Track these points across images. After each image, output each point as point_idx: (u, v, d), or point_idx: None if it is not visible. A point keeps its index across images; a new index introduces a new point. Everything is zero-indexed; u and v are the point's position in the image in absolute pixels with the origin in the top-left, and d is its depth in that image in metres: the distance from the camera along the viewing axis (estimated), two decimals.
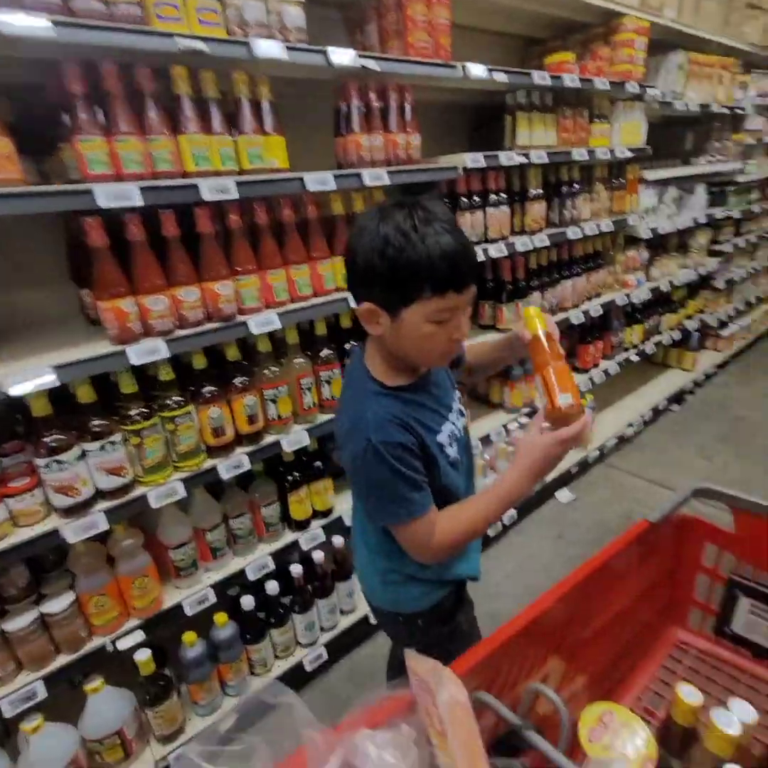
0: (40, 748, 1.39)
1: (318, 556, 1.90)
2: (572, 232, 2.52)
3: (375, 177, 1.67)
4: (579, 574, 0.84)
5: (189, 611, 1.64)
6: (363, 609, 2.09)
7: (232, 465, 1.60)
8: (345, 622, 2.06)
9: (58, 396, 1.36)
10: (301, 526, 1.90)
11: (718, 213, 3.77)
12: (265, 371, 1.66)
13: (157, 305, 1.36)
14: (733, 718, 0.76)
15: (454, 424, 1.06)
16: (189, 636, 1.62)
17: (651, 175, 2.96)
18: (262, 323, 1.54)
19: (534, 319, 1.02)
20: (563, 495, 2.97)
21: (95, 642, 1.50)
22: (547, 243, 2.39)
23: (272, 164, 1.49)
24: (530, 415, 1.12)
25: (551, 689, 0.52)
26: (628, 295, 3.10)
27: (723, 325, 4.49)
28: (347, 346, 1.86)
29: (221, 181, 1.35)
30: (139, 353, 1.33)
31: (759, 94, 3.83)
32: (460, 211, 2.06)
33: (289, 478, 1.83)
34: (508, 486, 0.97)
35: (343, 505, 2.03)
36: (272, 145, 1.48)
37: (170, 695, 1.60)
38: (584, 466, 3.13)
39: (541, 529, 2.74)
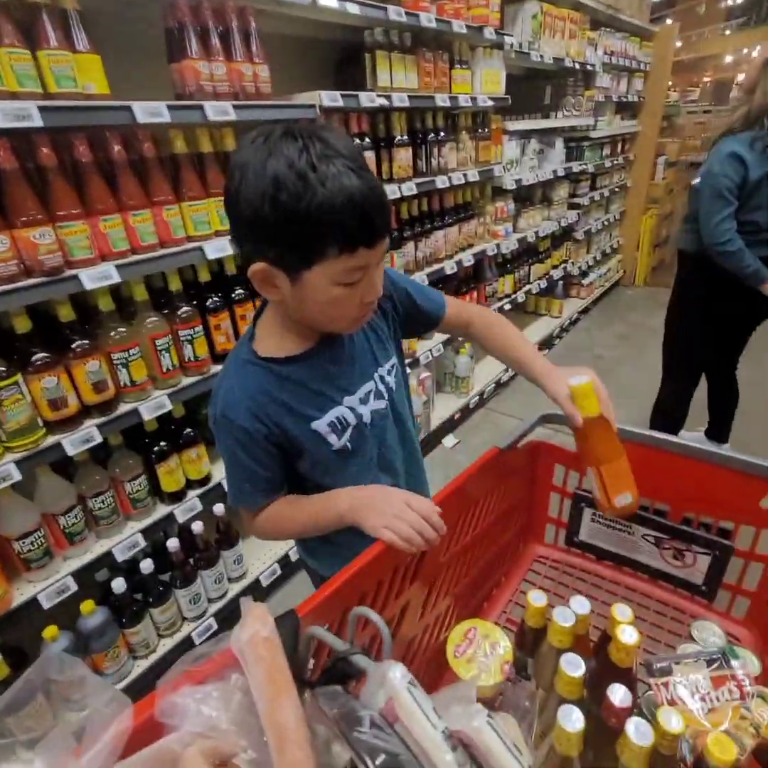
0: None
1: (197, 527, 1.80)
2: (441, 181, 2.54)
3: (220, 111, 1.52)
4: (433, 500, 0.86)
5: (47, 604, 1.47)
6: (254, 573, 2.05)
7: (79, 439, 1.43)
8: (235, 588, 2.00)
9: None
10: (176, 497, 1.78)
11: (575, 166, 4.03)
12: (111, 333, 1.49)
13: None
14: (569, 612, 0.83)
15: (353, 408, 0.91)
16: (50, 631, 1.46)
17: (513, 126, 3.06)
18: (97, 277, 1.36)
19: (590, 399, 0.85)
20: (448, 440, 3.12)
21: None
22: (415, 191, 2.38)
23: (88, 89, 1.28)
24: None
25: (371, 610, 0.52)
26: (498, 246, 3.24)
27: (584, 274, 4.90)
28: (209, 302, 1.72)
29: (18, 105, 1.13)
30: None
31: (606, 51, 4.08)
32: None
33: (156, 448, 1.69)
34: (325, 509, 0.88)
35: (222, 472, 1.93)
36: (85, 64, 1.26)
37: (34, 698, 1.44)
38: (466, 411, 3.30)
39: (430, 473, 2.85)
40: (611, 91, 4.37)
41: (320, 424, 0.88)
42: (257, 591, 2.05)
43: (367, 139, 2.13)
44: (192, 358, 1.69)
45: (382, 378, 0.95)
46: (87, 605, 1.55)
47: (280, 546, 2.18)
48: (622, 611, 0.85)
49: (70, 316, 1.40)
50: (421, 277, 2.62)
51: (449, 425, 3.16)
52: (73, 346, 1.40)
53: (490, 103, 2.74)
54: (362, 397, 0.92)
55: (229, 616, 1.96)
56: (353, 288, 0.75)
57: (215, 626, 1.89)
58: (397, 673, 0.45)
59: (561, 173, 3.74)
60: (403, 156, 2.30)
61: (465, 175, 2.71)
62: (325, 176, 0.65)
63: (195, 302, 1.70)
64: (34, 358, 1.34)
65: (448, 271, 2.81)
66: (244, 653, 0.43)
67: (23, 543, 1.43)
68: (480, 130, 2.82)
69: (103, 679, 0.48)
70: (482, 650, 0.92)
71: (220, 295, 1.75)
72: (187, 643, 1.82)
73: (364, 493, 0.85)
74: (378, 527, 0.78)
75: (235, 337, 1.81)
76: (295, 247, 0.70)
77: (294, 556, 2.14)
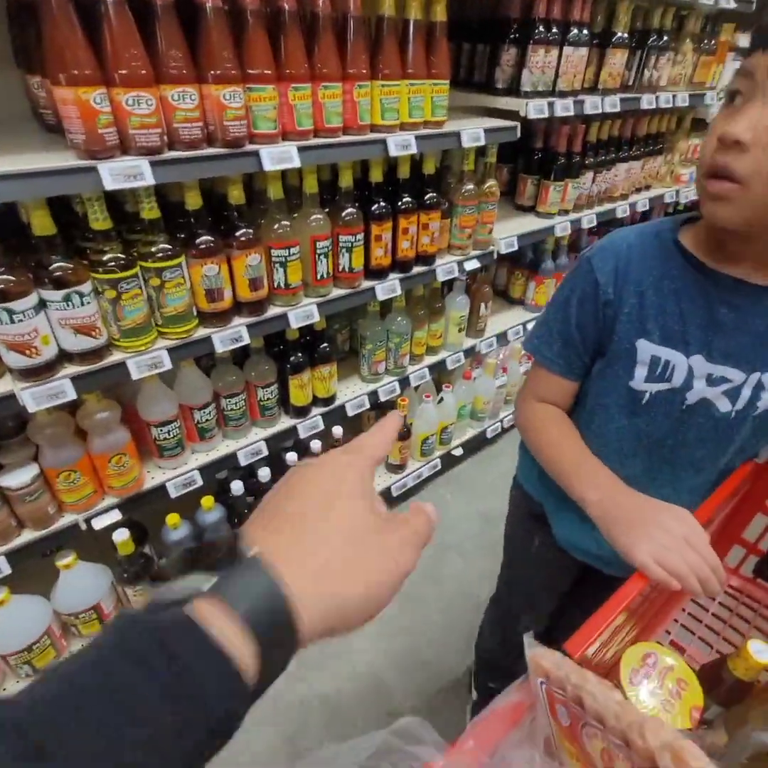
0: (7, 619, 1.27)
1: (315, 445, 1.73)
2: (647, 101, 2.08)
3: None
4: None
5: (173, 493, 1.47)
6: None
7: (229, 337, 1.33)
8: None
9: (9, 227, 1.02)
10: (301, 412, 1.69)
11: None
12: (275, 226, 1.33)
13: (140, 106, 0.98)
14: None
15: (692, 374, 0.72)
16: (173, 518, 1.47)
17: (745, 40, 2.44)
18: (278, 158, 1.18)
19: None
20: None
21: (66, 519, 1.32)
22: (618, 108, 1.96)
23: None
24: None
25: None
26: (678, 193, 2.73)
27: None
28: (375, 207, 1.51)
29: None
30: (114, 173, 0.97)
31: None
32: (534, 45, 1.60)
33: (292, 359, 1.58)
34: (578, 481, 0.76)
35: (346, 394, 1.83)
36: None
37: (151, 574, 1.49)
38: None
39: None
40: None
41: (645, 347, 0.74)
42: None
43: (585, 31, 1.72)
44: (347, 269, 1.51)
45: (760, 384, 0.72)
46: (208, 500, 1.54)
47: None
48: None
49: (241, 199, 1.24)
50: (589, 218, 2.25)
51: None
52: (238, 234, 1.26)
53: (733, 3, 2.16)
54: (716, 376, 0.72)
55: None
56: (727, 113, 0.59)
57: None
58: None
59: None
60: (618, 61, 1.87)
61: (674, 98, 2.22)
62: None
63: (358, 205, 1.49)
64: (199, 240, 1.21)
65: (620, 215, 2.40)
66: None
67: (161, 430, 1.40)
68: (706, 42, 2.26)
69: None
70: (666, 687, 0.77)
71: (386, 201, 1.53)
72: None
73: (632, 501, 0.67)
74: (645, 556, 0.61)
75: (392, 252, 1.61)
76: None
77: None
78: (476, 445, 2.43)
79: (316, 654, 1.71)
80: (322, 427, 1.74)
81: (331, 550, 0.32)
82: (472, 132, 1.53)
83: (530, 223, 2.10)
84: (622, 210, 2.40)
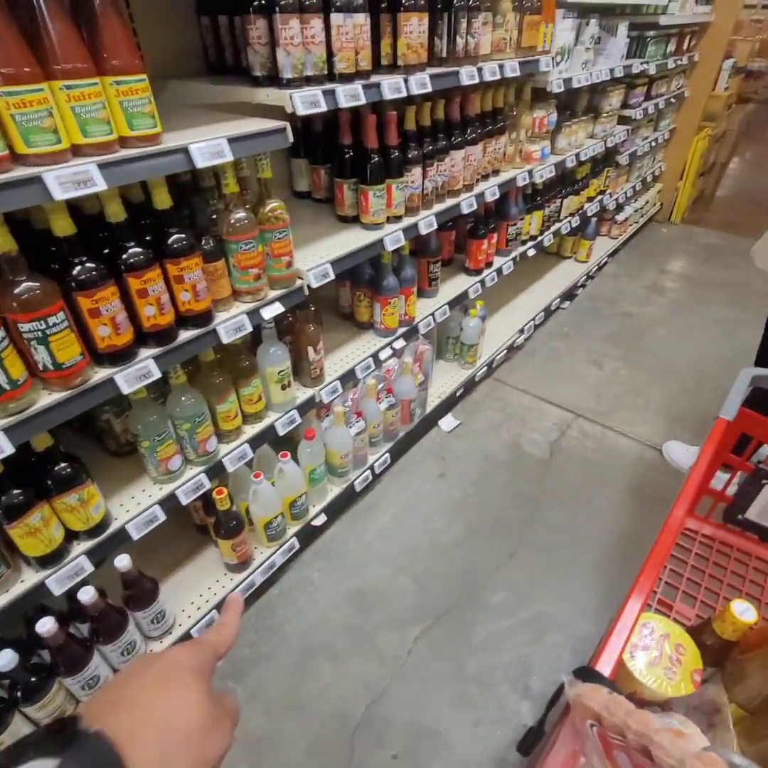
0: None
1: (86, 594, 1.25)
2: (467, 75, 1.72)
3: None
4: None
5: None
6: (184, 624, 1.54)
7: None
8: (158, 647, 1.50)
9: None
10: (48, 561, 1.20)
11: (636, 65, 3.10)
12: None
13: None
14: None
15: None
16: None
17: None
18: None
19: None
20: (447, 422, 2.54)
21: None
22: (430, 87, 1.58)
23: None
24: None
25: None
26: (530, 172, 2.45)
27: (619, 208, 4.08)
28: (77, 271, 1.02)
29: None
30: None
31: None
32: (281, 14, 1.16)
33: (3, 499, 1.08)
34: None
35: (130, 507, 1.35)
36: None
37: None
38: (470, 384, 2.69)
39: (422, 468, 2.32)
40: None
41: None
42: None
43: None
44: (52, 365, 1.03)
45: None
46: None
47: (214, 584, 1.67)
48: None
49: None
50: (428, 220, 1.88)
51: (449, 403, 2.57)
52: None
53: None
54: None
55: None
56: None
57: None
58: None
59: (619, 73, 2.83)
60: (415, 28, 1.48)
61: (501, 68, 1.88)
62: None
63: (51, 268, 1.01)
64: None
65: (465, 210, 2.06)
66: None
67: None
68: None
69: None
70: (665, 654, 0.79)
71: (96, 258, 1.06)
72: None
73: None
74: None
75: (135, 322, 1.14)
76: None
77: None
78: (344, 503, 2.05)
79: None
80: (89, 569, 1.26)
81: (167, 733, 0.36)
82: (209, 145, 1.08)
83: (355, 239, 1.70)
84: (467, 204, 2.06)
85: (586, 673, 0.67)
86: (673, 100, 4.06)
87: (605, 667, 0.74)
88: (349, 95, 1.33)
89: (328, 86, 1.30)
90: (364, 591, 1.85)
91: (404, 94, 1.50)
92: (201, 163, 1.07)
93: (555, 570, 1.90)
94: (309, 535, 1.92)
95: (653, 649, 0.79)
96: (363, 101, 1.37)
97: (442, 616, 1.77)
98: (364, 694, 1.58)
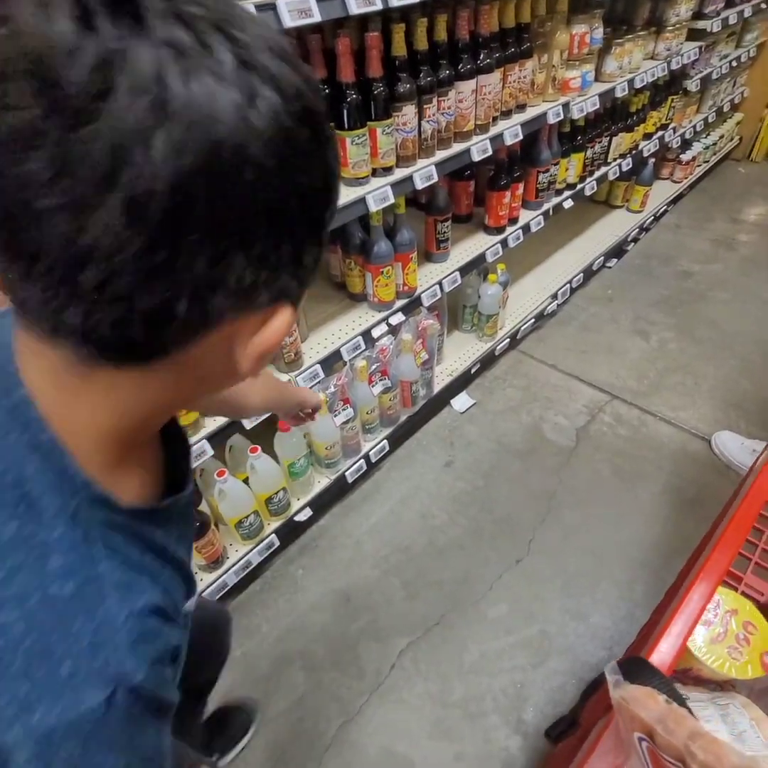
0: None
1: None
2: None
3: None
4: None
5: None
6: None
7: None
8: None
9: None
10: None
11: None
12: None
13: None
14: None
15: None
16: None
17: None
18: None
19: None
20: (460, 402, 2.28)
21: None
22: None
23: None
24: None
25: None
26: (566, 106, 2.03)
27: (686, 144, 3.48)
28: None
29: None
30: None
31: None
32: None
33: None
34: None
35: None
36: None
37: None
38: (490, 359, 2.40)
39: (427, 455, 2.10)
40: None
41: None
42: None
43: None
44: None
45: None
46: None
47: None
48: None
49: None
50: (426, 172, 1.56)
51: (464, 379, 2.29)
52: None
53: None
54: None
55: None
56: None
57: None
58: None
59: None
60: None
61: None
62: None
63: None
64: None
65: (477, 157, 1.71)
66: None
67: None
68: None
69: None
70: (731, 632, 0.69)
71: None
72: None
73: None
74: None
75: None
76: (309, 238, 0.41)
77: None
78: (334, 495, 1.87)
79: None
80: None
81: None
82: None
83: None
84: (480, 149, 1.71)
85: (636, 667, 0.51)
86: (764, 5, 3.32)
87: (664, 658, 0.58)
88: (297, 10, 1.02)
89: None
90: (349, 594, 1.69)
91: (379, 6, 1.16)
92: None
93: (566, 583, 1.66)
94: (292, 531, 1.77)
95: (717, 625, 0.70)
96: (317, 18, 1.06)
97: (431, 629, 1.59)
98: (337, 712, 1.45)
